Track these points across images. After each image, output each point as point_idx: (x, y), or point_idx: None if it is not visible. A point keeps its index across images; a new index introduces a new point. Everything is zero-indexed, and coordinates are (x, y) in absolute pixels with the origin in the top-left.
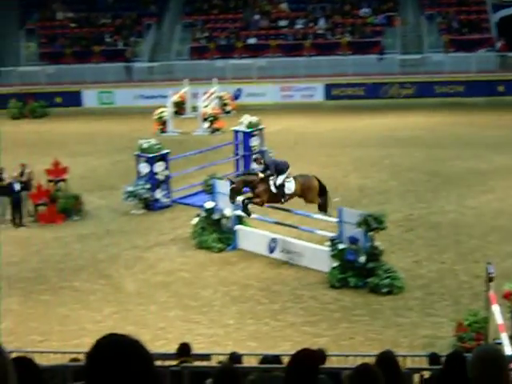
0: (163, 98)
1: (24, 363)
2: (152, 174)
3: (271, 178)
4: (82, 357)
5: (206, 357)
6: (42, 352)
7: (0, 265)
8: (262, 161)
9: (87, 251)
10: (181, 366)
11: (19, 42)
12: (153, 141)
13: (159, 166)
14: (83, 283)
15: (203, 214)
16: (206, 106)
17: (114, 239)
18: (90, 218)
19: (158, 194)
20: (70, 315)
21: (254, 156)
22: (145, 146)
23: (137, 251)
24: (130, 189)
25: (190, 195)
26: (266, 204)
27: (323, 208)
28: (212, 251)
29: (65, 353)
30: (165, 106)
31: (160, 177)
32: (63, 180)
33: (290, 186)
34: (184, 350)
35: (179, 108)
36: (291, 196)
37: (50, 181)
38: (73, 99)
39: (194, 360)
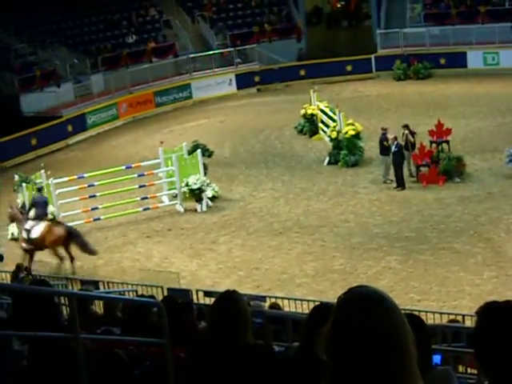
0: None
1: (415, 322)
2: None
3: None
4: (460, 318)
5: None
6: (420, 311)
7: (382, 224)
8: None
9: (468, 214)
10: None
11: (405, 4)
12: None
13: None
14: (463, 245)
15: None
16: None
17: (495, 203)
18: (472, 180)
19: None
20: (450, 276)
21: None
22: None
23: None
24: None
25: None
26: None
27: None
28: None
29: (443, 313)
30: None
31: None
32: (446, 141)
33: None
34: None
35: None
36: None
37: (433, 142)
38: (457, 60)
39: None
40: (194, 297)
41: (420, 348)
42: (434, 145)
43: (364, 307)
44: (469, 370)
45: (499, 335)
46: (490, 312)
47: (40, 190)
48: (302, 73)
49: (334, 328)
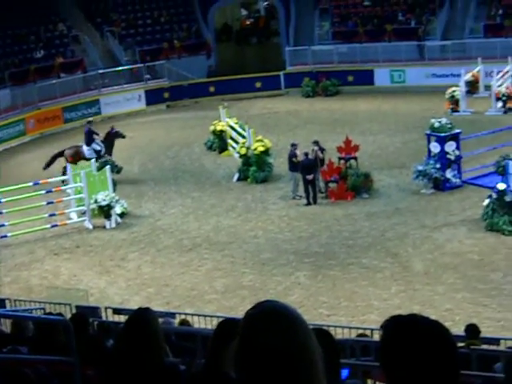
0: (455, 77)
1: (323, 336)
2: (443, 153)
3: None
4: (368, 333)
5: (495, 341)
6: (329, 326)
7: (291, 239)
8: None
9: (376, 229)
10: (469, 349)
11: (313, 22)
12: (444, 120)
13: (450, 146)
14: (371, 261)
15: (494, 195)
16: (500, 86)
17: (402, 218)
18: (379, 196)
19: (449, 173)
20: (358, 291)
21: None
22: (436, 125)
23: (425, 231)
24: (420, 168)
25: (481, 176)
26: None
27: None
28: (503, 234)
29: (352, 328)
30: (457, 85)
31: (451, 157)
32: (354, 158)
33: None
34: (473, 330)
35: (472, 87)
36: None
37: (341, 158)
38: (364, 77)
39: (481, 343)
40: (103, 314)
41: (328, 362)
42: (342, 161)
43: (270, 322)
44: None
45: (404, 348)
46: (395, 325)
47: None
48: (212, 89)
49: (241, 343)
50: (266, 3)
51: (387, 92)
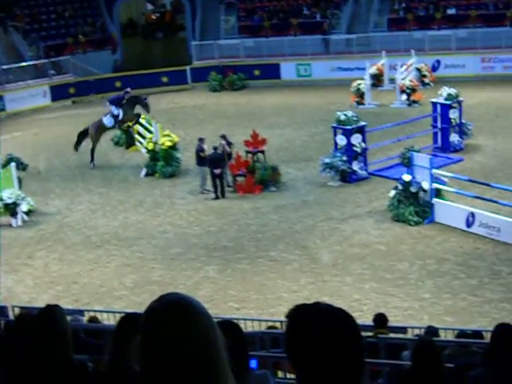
0: (360, 70)
1: (230, 328)
2: (349, 146)
3: None
4: (278, 325)
5: (402, 330)
6: (239, 319)
7: (200, 234)
8: None
9: (284, 222)
10: (377, 338)
11: (219, 16)
12: (350, 113)
13: (356, 138)
14: (280, 253)
15: (400, 186)
16: (404, 78)
17: (310, 210)
18: (287, 189)
19: (355, 166)
20: (267, 284)
21: None
22: (342, 117)
23: (332, 223)
24: (327, 161)
25: (386, 168)
26: None
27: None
28: (408, 224)
29: (262, 320)
30: (362, 79)
31: (357, 149)
32: (261, 151)
33: None
34: (380, 320)
35: (377, 80)
36: None
37: (249, 152)
38: (271, 72)
39: (389, 332)
40: (11, 313)
41: (236, 354)
42: (249, 155)
43: (171, 313)
44: (288, 375)
45: (307, 336)
46: (297, 314)
47: None
48: (118, 84)
49: (142, 336)
50: None
51: (294, 86)
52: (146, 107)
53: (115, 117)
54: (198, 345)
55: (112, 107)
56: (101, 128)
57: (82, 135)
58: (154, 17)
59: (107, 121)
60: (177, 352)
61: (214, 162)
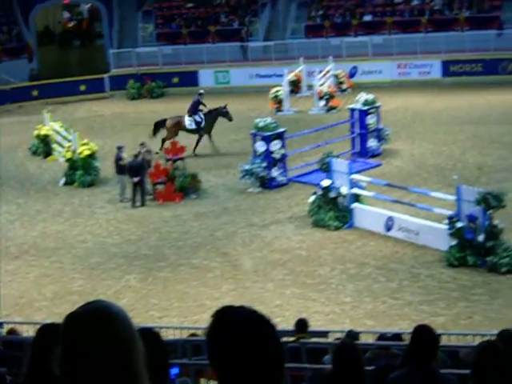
0: (279, 77)
1: (150, 336)
2: (268, 152)
3: None
4: (200, 332)
5: (324, 334)
6: (161, 327)
7: (120, 243)
8: None
9: (205, 229)
10: (299, 343)
11: (137, 24)
12: (269, 119)
13: (275, 145)
14: (201, 261)
15: (319, 192)
16: (322, 85)
17: (230, 217)
18: (208, 196)
19: (275, 172)
20: (189, 292)
21: None
22: (261, 124)
23: (253, 229)
24: (247, 167)
25: (306, 173)
26: None
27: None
28: (328, 229)
29: (183, 328)
30: (280, 85)
31: (276, 155)
32: (181, 159)
33: None
34: (302, 325)
35: (295, 87)
36: None
37: (169, 159)
38: (189, 79)
39: (311, 337)
40: None
41: (156, 362)
42: (169, 162)
43: (89, 320)
44: (211, 383)
45: (224, 340)
46: (222, 315)
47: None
48: (35, 93)
49: (62, 344)
50: (88, 5)
51: (212, 93)
52: (226, 115)
53: (198, 123)
54: (117, 351)
55: (195, 116)
56: (179, 125)
57: (159, 124)
58: (70, 25)
59: (188, 123)
60: (94, 358)
61: (134, 169)
